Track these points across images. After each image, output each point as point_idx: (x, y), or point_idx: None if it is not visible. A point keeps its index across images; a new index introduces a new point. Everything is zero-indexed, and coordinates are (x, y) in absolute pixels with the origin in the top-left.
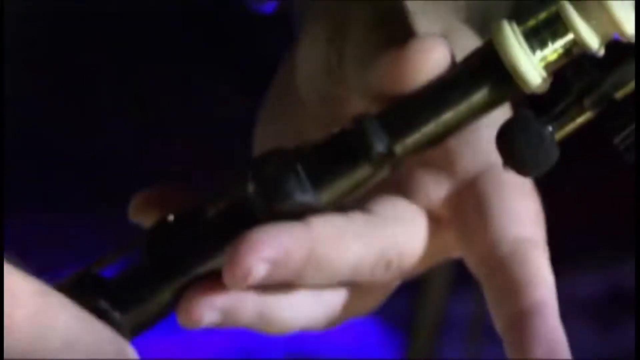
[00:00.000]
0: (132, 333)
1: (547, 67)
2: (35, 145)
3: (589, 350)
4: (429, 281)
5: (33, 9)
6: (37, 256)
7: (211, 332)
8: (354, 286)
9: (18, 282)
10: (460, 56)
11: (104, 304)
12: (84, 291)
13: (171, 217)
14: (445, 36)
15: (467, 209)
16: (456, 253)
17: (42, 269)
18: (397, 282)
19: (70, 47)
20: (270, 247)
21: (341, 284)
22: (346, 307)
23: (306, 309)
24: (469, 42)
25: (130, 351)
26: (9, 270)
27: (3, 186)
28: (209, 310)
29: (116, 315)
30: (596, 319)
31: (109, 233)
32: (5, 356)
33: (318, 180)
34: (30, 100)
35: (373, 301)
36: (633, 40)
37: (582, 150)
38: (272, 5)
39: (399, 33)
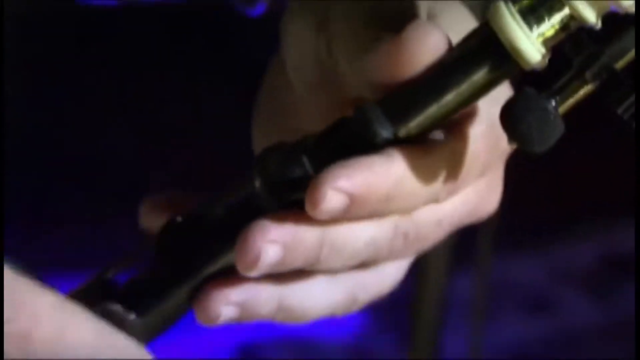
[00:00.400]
0: (148, 336)
1: (545, 43)
2: (35, 145)
3: (586, 318)
4: (428, 263)
5: (33, 10)
6: (37, 256)
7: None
8: (372, 265)
9: (36, 298)
10: (452, 38)
11: (119, 309)
12: (99, 297)
13: (179, 219)
14: (435, 15)
15: None
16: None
17: (43, 268)
18: (413, 257)
19: (70, 48)
20: (278, 229)
21: (362, 264)
22: (366, 288)
23: (325, 295)
24: (459, 24)
25: (147, 356)
26: (26, 285)
27: (3, 185)
28: (225, 304)
29: (132, 319)
30: (591, 288)
31: (109, 233)
32: None
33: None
34: (30, 100)
35: (392, 279)
36: (630, 11)
37: (575, 119)
38: (261, 7)
39: (388, 27)
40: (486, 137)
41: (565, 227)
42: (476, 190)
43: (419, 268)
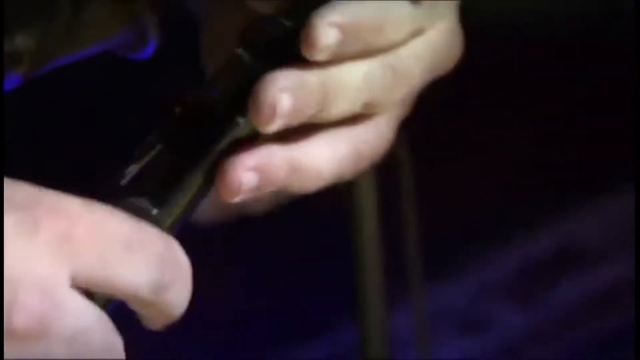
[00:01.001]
0: (172, 228)
1: None
2: (35, 145)
3: (511, 327)
4: (366, 306)
5: None
6: None
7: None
8: (372, 113)
9: (66, 201)
10: None
11: (142, 203)
12: (119, 196)
13: (178, 109)
14: None
15: None
16: None
17: None
18: (402, 106)
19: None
20: (286, 77)
21: (364, 107)
22: (367, 141)
23: (332, 150)
24: None
25: (176, 244)
26: (51, 194)
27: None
28: (246, 171)
29: (155, 212)
30: (512, 297)
31: None
32: (73, 272)
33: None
34: (30, 100)
35: (387, 133)
36: None
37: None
38: (150, 50)
39: None
40: None
41: (483, 242)
42: (442, 32)
43: (359, 313)
